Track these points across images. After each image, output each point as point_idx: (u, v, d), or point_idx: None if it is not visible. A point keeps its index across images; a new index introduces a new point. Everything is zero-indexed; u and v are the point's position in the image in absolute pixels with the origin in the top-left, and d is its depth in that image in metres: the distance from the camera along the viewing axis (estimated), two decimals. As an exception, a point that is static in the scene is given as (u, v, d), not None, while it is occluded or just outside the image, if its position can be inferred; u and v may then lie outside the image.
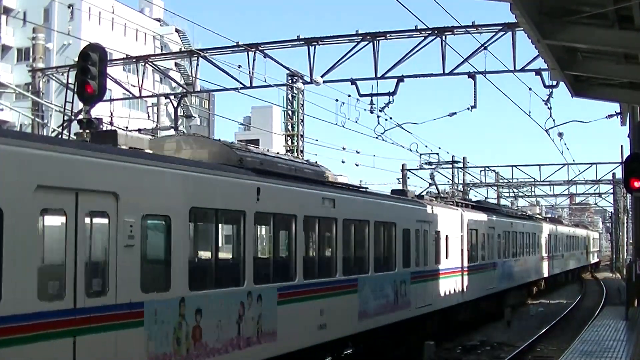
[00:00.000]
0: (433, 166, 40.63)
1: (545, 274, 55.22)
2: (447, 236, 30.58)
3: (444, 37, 27.91)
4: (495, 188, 73.55)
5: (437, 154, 57.52)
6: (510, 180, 68.83)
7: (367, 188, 27.16)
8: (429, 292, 27.78)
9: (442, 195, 38.98)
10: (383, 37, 29.14)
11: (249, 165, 17.42)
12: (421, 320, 27.47)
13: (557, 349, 27.42)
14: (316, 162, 23.53)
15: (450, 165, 55.19)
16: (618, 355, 21.08)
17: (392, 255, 24.96)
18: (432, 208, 29.71)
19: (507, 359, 25.92)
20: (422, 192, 40.03)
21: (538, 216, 61.71)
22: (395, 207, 26.01)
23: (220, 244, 16.28)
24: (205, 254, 16.52)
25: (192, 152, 17.40)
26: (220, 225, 16.44)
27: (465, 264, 33.05)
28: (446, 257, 30.31)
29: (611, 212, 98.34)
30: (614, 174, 67.39)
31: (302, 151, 39.01)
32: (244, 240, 16.53)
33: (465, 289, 32.65)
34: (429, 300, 27.72)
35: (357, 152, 49.45)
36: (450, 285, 30.74)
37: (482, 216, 37.03)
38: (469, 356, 27.91)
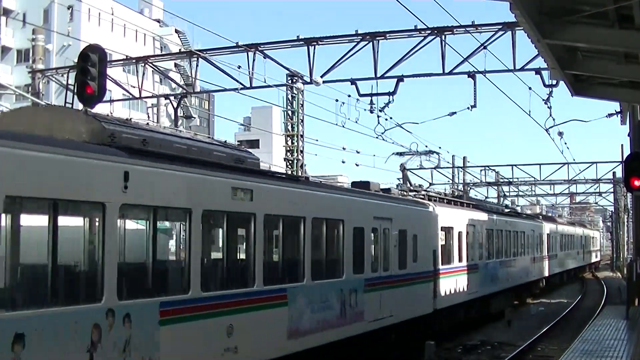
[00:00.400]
0: (405, 158, 36.12)
1: (538, 276, 51.23)
2: (415, 235, 26.56)
3: (443, 36, 27.92)
4: (496, 187, 73.51)
5: (438, 153, 57.64)
6: (511, 180, 68.80)
7: (307, 177, 23.88)
8: (389, 301, 23.87)
9: (413, 188, 34.41)
10: (383, 37, 29.15)
11: (123, 143, 13.73)
12: (381, 334, 23.84)
13: (557, 348, 27.42)
14: (239, 145, 20.17)
15: (428, 156, 52.05)
16: (619, 354, 21.07)
17: (339, 259, 21.14)
18: (396, 203, 26.19)
19: (508, 358, 25.91)
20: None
21: (528, 213, 59.80)
22: (343, 201, 21.83)
23: (60, 246, 12.06)
24: (32, 260, 12.35)
25: (47, 127, 13.56)
26: (59, 220, 12.13)
27: (440, 266, 29.20)
28: (414, 260, 26.39)
29: (611, 211, 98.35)
30: (614, 173, 67.42)
31: (302, 151, 39.02)
32: (101, 241, 12.68)
33: (438, 296, 28.73)
34: (389, 312, 23.96)
35: (357, 152, 49.54)
36: (418, 292, 26.92)
37: (459, 212, 33.56)
38: (470, 356, 27.90)
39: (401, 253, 25.31)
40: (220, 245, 16.51)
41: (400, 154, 34.25)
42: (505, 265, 40.44)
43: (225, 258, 16.57)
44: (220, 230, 16.52)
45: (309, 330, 18.96)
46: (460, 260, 32.17)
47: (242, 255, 17.47)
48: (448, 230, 31.18)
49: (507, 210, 48.76)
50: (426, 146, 57.43)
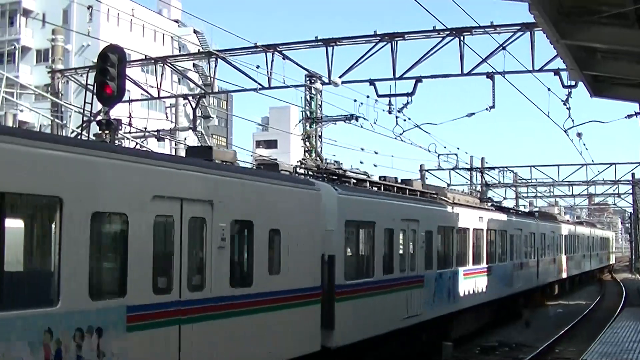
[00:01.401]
0: (315, 125, 26.97)
1: (526, 286, 41.11)
2: (276, 232, 17.03)
3: (462, 37, 27.84)
4: (514, 188, 73.33)
5: (456, 154, 57.61)
6: (529, 181, 68.60)
7: None
8: (203, 342, 14.29)
9: (307, 166, 23.36)
10: (401, 38, 29.10)
11: None
12: None
13: (576, 350, 27.33)
14: None
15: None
16: (638, 357, 20.99)
17: (43, 271, 11.86)
18: (225, 176, 15.71)
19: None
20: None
21: (517, 209, 53.81)
22: (53, 162, 11.50)
23: None
24: None
25: None
26: None
27: (342, 281, 19.76)
28: (273, 272, 16.89)
29: (630, 212, 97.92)
30: (633, 174, 67.11)
31: (320, 151, 39.00)
32: None
33: (339, 327, 19.34)
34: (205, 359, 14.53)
35: (376, 153, 49.30)
36: (282, 323, 17.11)
37: (391, 204, 23.96)
38: (487, 357, 27.89)
39: (236, 260, 16.17)
40: None
41: (311, 120, 27.95)
42: (472, 275, 31.26)
43: None
44: None
45: None
46: (389, 270, 22.97)
47: None
48: (363, 228, 21.99)
49: (481, 203, 38.89)
50: (444, 147, 56.94)
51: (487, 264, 33.38)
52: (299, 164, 22.61)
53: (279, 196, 17.62)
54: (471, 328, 31.64)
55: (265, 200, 16.88)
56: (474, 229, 31.67)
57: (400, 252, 23.88)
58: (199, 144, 42.73)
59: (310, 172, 22.32)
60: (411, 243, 24.66)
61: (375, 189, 24.41)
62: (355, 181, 23.51)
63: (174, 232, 13.83)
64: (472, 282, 30.95)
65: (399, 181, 27.51)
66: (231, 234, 15.42)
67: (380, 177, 26.43)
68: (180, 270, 13.81)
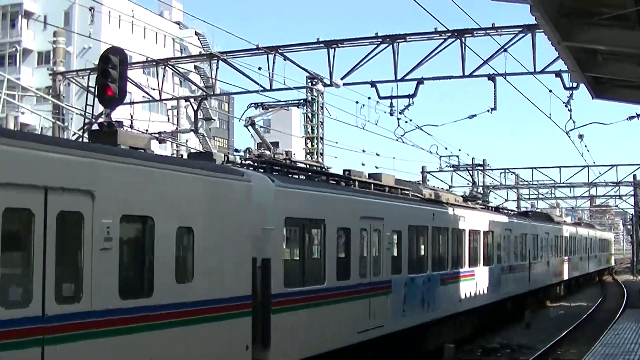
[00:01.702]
0: (257, 112, 25.35)
1: (516, 290, 38.13)
2: (187, 229, 13.94)
3: (463, 39, 27.86)
4: (516, 190, 73.34)
5: (457, 156, 57.63)
6: (530, 183, 68.63)
7: None
8: None
9: (251, 157, 19.72)
10: (403, 40, 29.11)
11: None
12: None
13: (577, 351, 27.33)
14: None
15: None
16: None
17: None
18: (115, 164, 12.43)
19: (528, 361, 25.84)
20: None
21: (508, 209, 50.07)
22: None
23: None
24: None
25: None
26: None
27: (281, 288, 16.70)
28: (182, 279, 13.69)
29: (632, 214, 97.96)
30: (634, 176, 67.12)
31: (322, 154, 38.98)
32: None
33: (276, 343, 16.29)
34: None
35: (377, 155, 49.38)
36: (199, 340, 13.99)
37: (339, 196, 20.35)
38: (489, 358, 27.88)
39: (129, 266, 12.87)
40: None
41: (257, 105, 25.35)
42: (452, 280, 28.39)
43: None
44: None
45: None
46: (344, 276, 19.85)
47: None
48: (309, 226, 18.84)
49: (465, 202, 35.11)
50: (446, 148, 56.90)
51: (469, 267, 30.34)
52: (238, 153, 19.27)
53: (192, 187, 14.25)
54: (452, 338, 27.78)
55: (171, 192, 13.62)
56: (453, 229, 28.57)
57: (360, 254, 20.79)
58: (201, 147, 42.81)
59: (251, 163, 19.25)
60: (374, 244, 21.60)
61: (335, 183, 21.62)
62: (309, 174, 20.97)
63: (35, 230, 10.72)
64: (451, 287, 28.12)
65: (367, 176, 24.43)
66: (121, 233, 12.21)
67: (344, 171, 23.62)
68: (43, 278, 10.74)
